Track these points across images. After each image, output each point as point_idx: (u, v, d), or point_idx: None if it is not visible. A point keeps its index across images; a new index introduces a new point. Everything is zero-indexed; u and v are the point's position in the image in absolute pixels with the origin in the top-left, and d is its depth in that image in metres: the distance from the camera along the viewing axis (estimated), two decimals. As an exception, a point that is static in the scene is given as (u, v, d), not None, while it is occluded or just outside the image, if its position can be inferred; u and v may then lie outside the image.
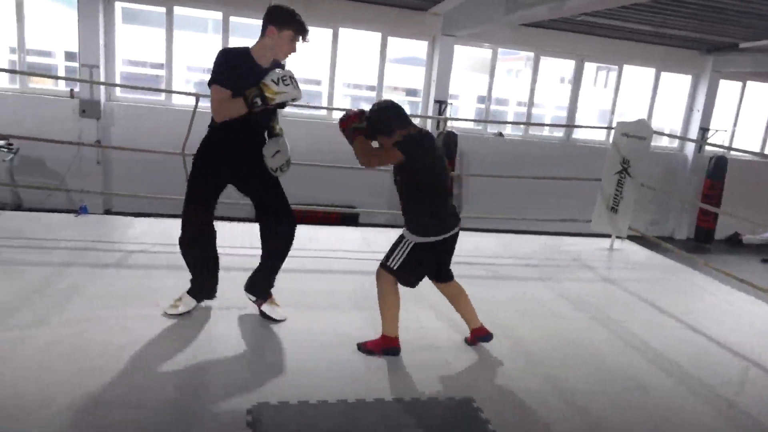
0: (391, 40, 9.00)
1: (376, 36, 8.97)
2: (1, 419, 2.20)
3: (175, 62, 8.32)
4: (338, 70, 8.88)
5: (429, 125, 9.20)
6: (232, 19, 8.21)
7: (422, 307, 3.67)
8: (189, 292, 3.22)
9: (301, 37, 2.93)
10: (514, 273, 4.71)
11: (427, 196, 2.91)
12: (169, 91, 8.17)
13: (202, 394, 2.52)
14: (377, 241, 5.21)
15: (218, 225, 3.18)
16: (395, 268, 2.94)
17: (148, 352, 2.81)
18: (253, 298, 3.26)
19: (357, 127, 2.90)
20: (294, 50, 2.96)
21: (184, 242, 3.09)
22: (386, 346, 3.02)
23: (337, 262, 4.51)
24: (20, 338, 2.78)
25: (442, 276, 3.18)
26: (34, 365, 2.59)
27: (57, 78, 8.41)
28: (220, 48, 3.05)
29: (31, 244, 4.07)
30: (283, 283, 3.75)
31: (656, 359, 3.33)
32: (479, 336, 3.22)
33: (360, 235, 5.48)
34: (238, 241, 4.25)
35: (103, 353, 2.74)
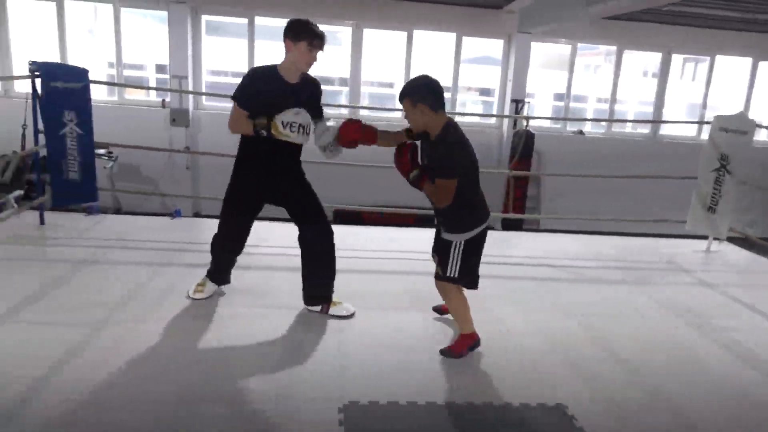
0: (465, 39, 8.91)
1: (450, 36, 8.91)
2: (109, 411, 2.35)
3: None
4: (412, 72, 8.90)
5: (506, 125, 9.04)
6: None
7: (506, 306, 3.60)
8: (209, 278, 3.43)
9: (317, 46, 2.93)
10: (601, 275, 4.52)
11: (468, 190, 2.83)
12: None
13: (295, 392, 2.58)
14: (405, 239, 5.17)
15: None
16: (457, 276, 2.90)
17: (240, 350, 2.92)
18: (317, 309, 3.34)
19: (418, 175, 2.83)
20: (314, 59, 2.98)
21: (215, 242, 3.34)
22: (469, 344, 3.01)
23: (416, 263, 4.49)
24: (123, 334, 2.96)
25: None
26: (138, 359, 2.75)
27: (150, 89, 8.93)
28: (253, 67, 3.13)
29: (131, 245, 4.33)
30: (364, 285, 3.82)
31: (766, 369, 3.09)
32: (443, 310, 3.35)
33: (428, 236, 5.44)
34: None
35: (200, 349, 2.87)
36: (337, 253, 3.35)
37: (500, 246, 5.36)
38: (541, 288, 4.11)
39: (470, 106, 10.27)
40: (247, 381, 2.65)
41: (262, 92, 2.89)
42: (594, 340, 3.27)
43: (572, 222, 7.19)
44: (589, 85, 10.80)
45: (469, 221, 2.88)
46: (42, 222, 4.57)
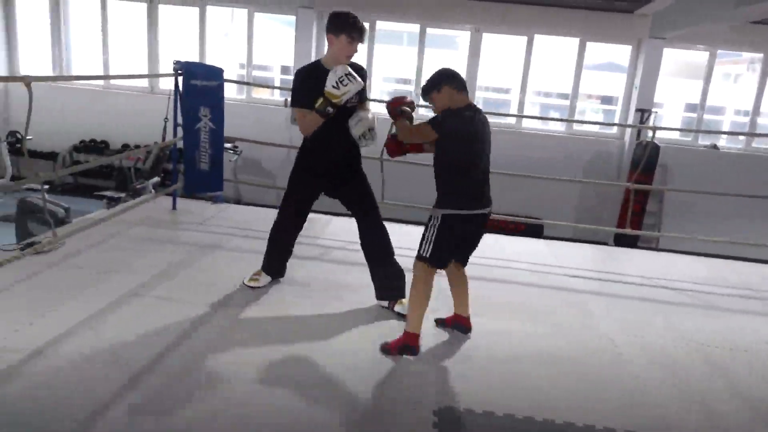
0: (589, 45, 8.53)
1: (573, 42, 8.57)
2: (216, 387, 2.54)
3: (374, 74, 8.87)
4: (530, 77, 8.68)
5: (628, 135, 8.53)
6: (429, 30, 8.52)
7: (613, 323, 3.41)
8: (264, 270, 3.58)
9: (356, 39, 3.05)
10: (725, 303, 4.13)
11: (458, 173, 2.82)
12: (372, 100, 8.72)
13: (390, 391, 2.63)
14: (564, 254, 4.98)
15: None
16: (428, 256, 2.84)
17: (335, 343, 3.02)
18: (385, 304, 3.41)
19: (403, 110, 2.98)
20: (354, 51, 3.11)
21: (273, 232, 3.51)
22: (406, 344, 2.91)
23: (524, 273, 4.38)
24: (238, 319, 3.18)
25: (465, 260, 3.09)
26: (247, 340, 2.94)
27: (275, 88, 9.47)
28: (299, 68, 3.22)
29: (251, 234, 4.62)
30: (472, 291, 3.77)
31: None
32: (459, 323, 3.18)
33: (545, 248, 5.27)
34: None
35: (298, 341, 3.02)
36: (403, 252, 3.41)
37: (610, 262, 5.09)
38: (656, 310, 3.85)
39: (589, 115, 9.82)
40: (343, 373, 2.74)
41: (313, 88, 3.00)
42: (714, 373, 3.00)
43: (696, 243, 6.62)
44: (727, 95, 9.89)
45: (454, 200, 2.83)
46: (174, 207, 5.03)
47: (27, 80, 3.16)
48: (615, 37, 8.48)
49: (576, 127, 8.77)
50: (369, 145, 3.18)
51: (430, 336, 3.15)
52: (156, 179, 6.96)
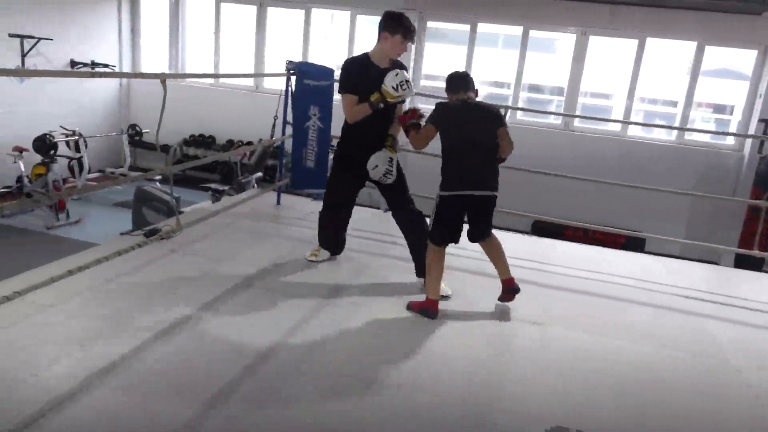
0: (708, 49, 7.95)
1: (688, 46, 8.02)
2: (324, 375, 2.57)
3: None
4: (639, 82, 8.21)
5: (748, 147, 7.86)
6: (531, 33, 8.29)
7: (745, 359, 3.13)
8: (321, 246, 3.87)
9: (409, 39, 3.32)
10: None
11: (453, 156, 3.21)
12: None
13: (499, 405, 2.55)
14: (678, 272, 4.65)
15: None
16: (432, 232, 3.32)
17: (452, 349, 2.98)
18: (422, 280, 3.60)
19: (413, 124, 3.32)
20: (405, 50, 3.39)
21: (321, 220, 3.85)
22: (426, 308, 3.26)
23: (631, 290, 4.12)
24: (346, 314, 3.22)
25: (476, 236, 3.40)
26: (347, 333, 2.97)
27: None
28: (348, 58, 3.54)
29: (348, 232, 4.67)
30: (575, 307, 3.63)
31: None
32: (508, 287, 3.40)
33: (655, 263, 4.95)
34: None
35: (401, 340, 3.00)
36: (542, 267, 3.55)
37: (733, 285, 4.70)
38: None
39: (699, 124, 9.12)
40: (459, 377, 2.70)
41: (362, 78, 3.28)
42: None
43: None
44: None
45: (448, 183, 3.22)
46: (278, 203, 5.20)
47: (162, 77, 3.38)
48: (737, 40, 7.83)
49: (687, 136, 8.20)
50: (391, 180, 3.46)
51: (536, 348, 3.04)
52: (259, 174, 7.25)
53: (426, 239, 3.40)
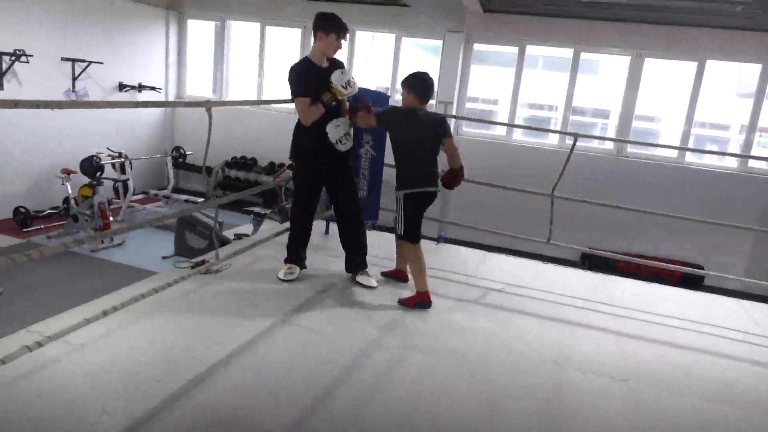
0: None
1: (752, 68, 7.62)
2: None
3: (504, 98, 8.51)
4: (697, 104, 7.82)
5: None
6: (583, 55, 8.02)
7: None
8: (291, 262, 3.91)
9: (343, 36, 3.56)
10: None
11: (406, 158, 3.62)
12: (517, 126, 8.41)
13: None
14: (721, 314, 4.25)
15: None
16: (403, 233, 3.60)
17: (513, 382, 2.71)
18: (351, 273, 3.95)
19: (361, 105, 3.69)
20: (340, 47, 3.64)
21: (293, 222, 3.97)
22: (419, 300, 3.61)
23: (721, 341, 3.75)
24: (404, 347, 2.99)
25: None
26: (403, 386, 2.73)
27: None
28: (292, 65, 3.65)
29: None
30: (661, 361, 3.33)
31: None
32: (397, 275, 4.03)
33: (705, 301, 4.58)
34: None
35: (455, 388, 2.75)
36: (590, 306, 3.57)
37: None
38: None
39: (756, 149, 8.57)
40: (523, 415, 2.44)
41: (307, 80, 3.51)
42: None
43: None
44: None
45: (408, 182, 3.59)
46: (326, 231, 5.02)
47: (208, 105, 3.26)
48: (806, 63, 7.41)
49: (750, 163, 7.76)
50: (345, 148, 3.64)
51: (624, 411, 2.74)
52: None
53: (364, 237, 3.91)
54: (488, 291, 4.15)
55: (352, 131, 3.66)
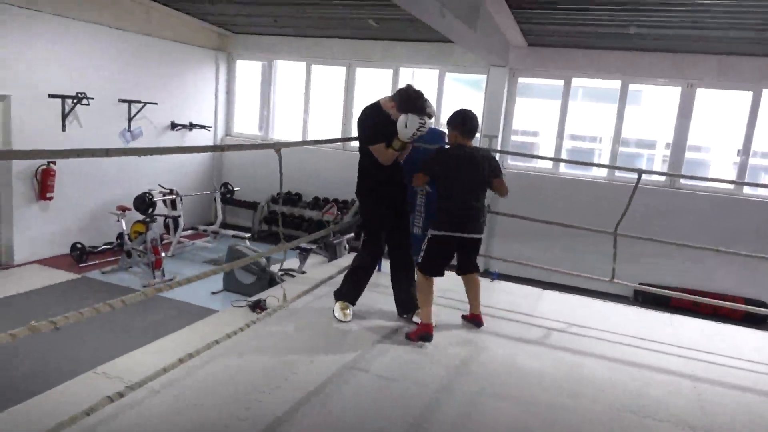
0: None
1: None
2: None
3: (546, 130, 8.42)
4: (756, 134, 7.57)
5: None
6: (604, 85, 7.94)
7: None
8: (346, 300, 3.90)
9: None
10: None
11: (442, 199, 3.63)
12: (566, 161, 8.30)
13: None
14: None
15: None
16: (420, 261, 3.65)
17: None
18: (405, 315, 3.93)
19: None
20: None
21: (358, 266, 3.97)
22: (421, 332, 3.53)
23: (755, 376, 3.53)
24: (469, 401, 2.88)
25: (463, 269, 3.85)
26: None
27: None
28: (366, 111, 3.91)
29: (452, 304, 4.37)
30: (736, 409, 3.12)
31: None
32: (473, 320, 3.89)
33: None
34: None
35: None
36: (658, 348, 3.50)
37: None
38: None
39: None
40: None
41: (379, 128, 3.71)
42: None
43: None
44: None
45: (438, 223, 3.63)
46: (379, 269, 4.96)
47: (278, 146, 3.31)
48: None
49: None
50: (420, 134, 3.62)
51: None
52: (350, 235, 7.13)
53: (413, 285, 3.85)
54: (550, 331, 4.01)
55: (426, 127, 3.63)
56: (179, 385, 2.77)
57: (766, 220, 7.36)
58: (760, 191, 7.68)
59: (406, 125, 3.56)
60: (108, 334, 5.26)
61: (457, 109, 3.77)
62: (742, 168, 7.64)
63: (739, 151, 7.67)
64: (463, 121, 3.69)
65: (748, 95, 7.51)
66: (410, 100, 3.63)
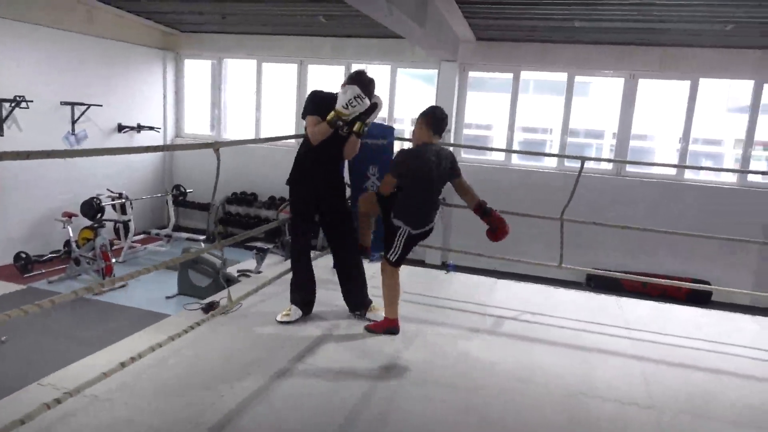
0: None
1: (740, 84, 7.74)
2: None
3: (498, 123, 8.58)
4: (693, 122, 7.90)
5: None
6: (553, 77, 8.16)
7: None
8: (294, 303, 3.82)
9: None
10: None
11: (416, 196, 3.56)
12: (515, 152, 8.45)
13: None
14: (740, 332, 4.19)
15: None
16: (394, 260, 3.59)
17: None
18: (358, 312, 3.89)
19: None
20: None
21: (293, 262, 3.92)
22: (387, 326, 3.64)
23: (743, 362, 3.69)
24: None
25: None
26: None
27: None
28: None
29: (405, 297, 4.41)
30: (688, 388, 3.26)
31: None
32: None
33: (721, 319, 4.53)
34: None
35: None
36: (595, 328, 3.60)
37: None
38: None
39: (754, 164, 8.60)
40: None
41: (320, 101, 3.56)
42: None
43: None
44: None
45: (416, 221, 3.57)
46: (334, 266, 4.95)
47: (216, 146, 3.26)
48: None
49: (750, 178, 7.80)
50: (356, 111, 3.42)
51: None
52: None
53: (363, 283, 3.87)
54: (502, 320, 4.10)
55: (366, 102, 3.42)
56: (121, 391, 2.71)
57: (706, 203, 7.70)
58: (701, 176, 8.02)
59: (346, 93, 3.37)
60: (58, 345, 5.09)
61: (430, 105, 3.68)
62: (683, 154, 7.96)
63: (680, 138, 7.99)
64: (437, 118, 3.58)
65: (686, 85, 7.82)
66: (358, 75, 3.54)
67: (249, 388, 2.84)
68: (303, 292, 3.84)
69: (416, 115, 3.64)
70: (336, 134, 3.57)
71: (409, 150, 3.66)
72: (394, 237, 3.57)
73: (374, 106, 3.58)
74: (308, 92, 3.83)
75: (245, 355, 3.24)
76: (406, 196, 3.58)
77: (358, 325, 3.77)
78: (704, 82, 7.78)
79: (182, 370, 3.01)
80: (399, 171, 3.53)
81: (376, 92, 3.64)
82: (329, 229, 3.90)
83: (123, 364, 2.46)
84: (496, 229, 3.64)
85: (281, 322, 3.71)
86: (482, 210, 3.67)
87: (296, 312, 3.79)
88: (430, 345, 3.58)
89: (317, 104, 3.55)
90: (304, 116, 3.61)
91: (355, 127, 3.57)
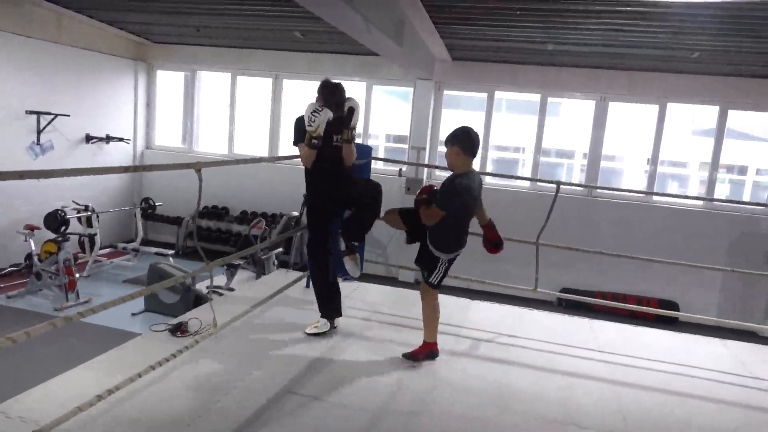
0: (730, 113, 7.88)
1: (710, 110, 7.97)
2: None
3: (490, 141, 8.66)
4: (662, 145, 8.09)
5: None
6: (523, 98, 8.29)
7: None
8: (324, 317, 3.93)
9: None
10: None
11: (460, 225, 3.53)
12: (503, 176, 8.51)
13: None
14: (709, 357, 4.25)
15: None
16: (436, 284, 3.58)
17: None
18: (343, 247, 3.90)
19: (423, 199, 3.55)
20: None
21: (317, 274, 3.97)
22: (427, 352, 3.60)
23: (670, 378, 3.75)
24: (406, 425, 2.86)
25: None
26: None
27: (394, 161, 9.40)
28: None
29: (382, 319, 4.37)
30: (655, 410, 3.27)
31: None
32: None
33: (691, 343, 4.60)
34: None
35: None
36: (569, 351, 3.67)
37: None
38: None
39: (719, 186, 8.89)
40: None
41: (299, 124, 3.62)
42: None
43: None
44: None
45: (451, 246, 3.52)
46: (307, 285, 4.88)
47: (197, 166, 3.17)
48: (761, 104, 7.78)
49: (716, 201, 8.01)
50: (315, 125, 3.49)
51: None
52: (279, 250, 6.97)
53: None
54: (477, 342, 4.08)
55: (327, 111, 3.49)
56: (92, 424, 2.58)
57: (674, 224, 7.87)
58: (668, 198, 8.21)
59: (306, 112, 3.50)
60: (13, 365, 4.85)
61: (459, 126, 3.49)
62: (652, 176, 8.14)
63: (648, 160, 8.18)
64: (472, 140, 3.43)
65: (655, 108, 8.02)
66: (321, 87, 3.66)
67: (233, 415, 2.73)
68: (333, 304, 3.98)
69: (443, 139, 3.58)
70: (330, 145, 3.66)
71: (460, 184, 3.40)
72: (436, 264, 3.53)
73: (351, 111, 3.66)
74: (282, 108, 3.89)
75: (234, 380, 3.11)
76: (446, 225, 3.44)
77: (342, 346, 3.70)
78: (672, 107, 8.01)
79: (157, 401, 2.88)
80: (452, 206, 3.42)
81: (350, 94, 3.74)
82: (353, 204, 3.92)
83: (100, 397, 2.33)
84: (498, 245, 3.76)
85: (310, 334, 3.84)
86: (491, 226, 3.77)
87: (325, 325, 3.92)
88: (411, 370, 3.52)
89: (299, 130, 3.64)
90: (295, 144, 3.74)
91: (343, 135, 3.67)
